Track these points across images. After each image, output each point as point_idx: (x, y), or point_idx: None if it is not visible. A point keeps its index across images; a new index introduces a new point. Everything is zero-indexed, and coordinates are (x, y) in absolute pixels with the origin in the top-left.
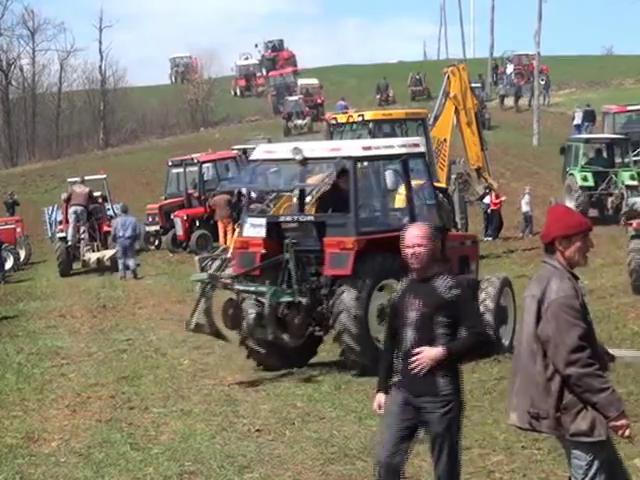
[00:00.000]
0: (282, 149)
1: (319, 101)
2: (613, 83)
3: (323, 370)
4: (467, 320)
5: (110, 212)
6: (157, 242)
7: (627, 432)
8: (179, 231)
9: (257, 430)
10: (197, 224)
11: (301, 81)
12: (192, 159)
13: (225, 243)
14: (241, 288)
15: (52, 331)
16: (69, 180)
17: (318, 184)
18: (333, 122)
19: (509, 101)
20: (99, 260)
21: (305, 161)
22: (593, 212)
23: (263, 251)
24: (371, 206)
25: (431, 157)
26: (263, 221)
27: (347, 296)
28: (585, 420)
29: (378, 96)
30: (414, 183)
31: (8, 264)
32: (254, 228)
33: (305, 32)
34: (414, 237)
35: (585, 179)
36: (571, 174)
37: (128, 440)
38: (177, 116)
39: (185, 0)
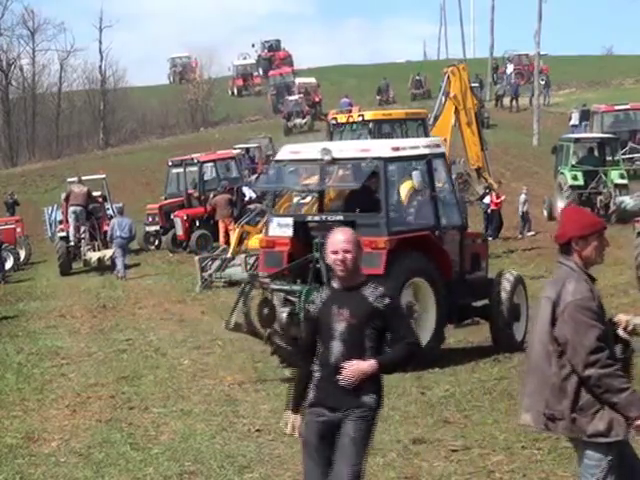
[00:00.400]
0: (308, 149)
1: (317, 99)
2: (613, 83)
3: None
4: (398, 330)
5: (110, 212)
6: (157, 242)
7: None
8: (179, 231)
9: (257, 430)
10: (197, 224)
11: (298, 80)
12: (192, 159)
13: (225, 243)
14: (276, 287)
15: (52, 331)
16: (68, 180)
17: (345, 185)
18: (333, 122)
19: (506, 101)
20: (100, 259)
21: (334, 161)
22: None
23: (290, 250)
24: (399, 206)
25: None
26: (290, 221)
27: None
28: (602, 420)
29: (378, 97)
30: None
31: (8, 264)
32: (280, 228)
33: (305, 32)
34: (340, 242)
35: (575, 178)
36: (562, 173)
37: (128, 440)
38: (177, 116)
39: (185, 0)
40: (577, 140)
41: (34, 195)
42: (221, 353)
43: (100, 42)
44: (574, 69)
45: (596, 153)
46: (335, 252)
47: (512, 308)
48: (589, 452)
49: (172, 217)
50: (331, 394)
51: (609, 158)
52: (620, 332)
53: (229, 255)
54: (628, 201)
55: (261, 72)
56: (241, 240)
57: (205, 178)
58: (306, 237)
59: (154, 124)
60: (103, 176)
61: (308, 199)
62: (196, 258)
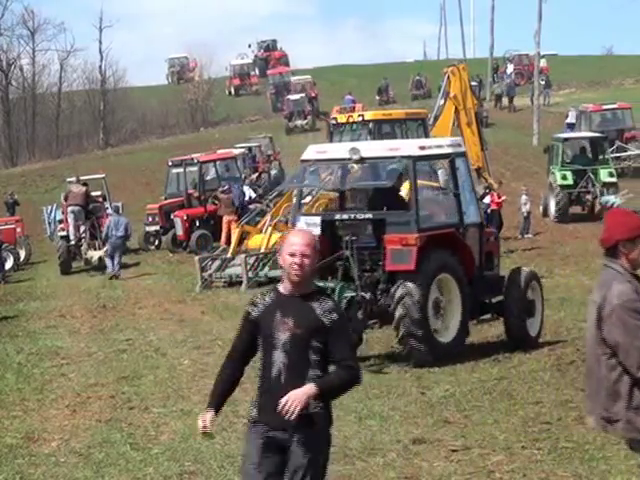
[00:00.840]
0: (335, 149)
1: (313, 95)
2: (613, 83)
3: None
4: (341, 350)
5: (110, 211)
6: (157, 242)
7: None
8: (179, 231)
9: None
10: (197, 224)
11: (294, 78)
12: (192, 159)
13: (227, 242)
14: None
15: (52, 331)
16: (67, 180)
17: (375, 184)
18: (333, 122)
19: (505, 101)
20: (101, 258)
21: (362, 161)
22: (575, 210)
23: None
24: (425, 204)
25: None
26: (318, 219)
27: (410, 285)
28: None
29: (378, 97)
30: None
31: (8, 264)
32: (308, 226)
33: (306, 32)
34: (300, 245)
35: (564, 177)
36: (552, 172)
37: (128, 440)
38: (177, 116)
39: (185, 0)
40: (566, 140)
41: (34, 195)
42: (221, 353)
43: (100, 42)
44: (574, 69)
45: (589, 152)
46: (292, 254)
47: (526, 304)
48: None
49: (172, 217)
50: (274, 413)
51: (600, 157)
52: None
53: (229, 255)
54: (613, 200)
55: (257, 72)
56: (241, 240)
57: (205, 178)
58: (332, 235)
59: (154, 124)
60: (103, 176)
61: (308, 199)
62: (196, 258)
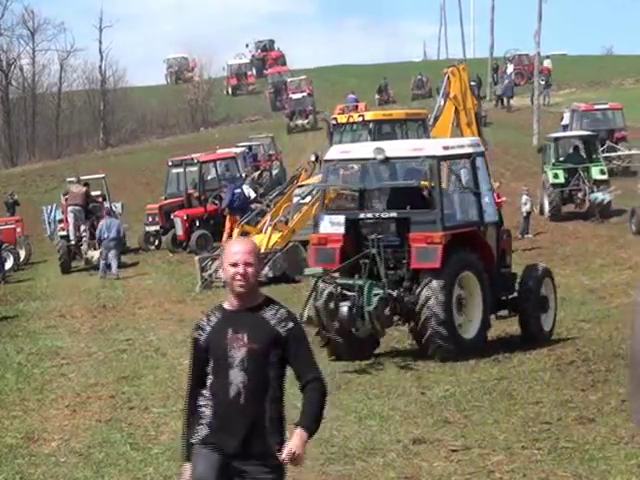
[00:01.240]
0: (358, 149)
1: (307, 92)
2: (613, 83)
3: (322, 370)
4: (302, 362)
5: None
6: (157, 242)
7: None
8: (179, 231)
9: None
10: (197, 224)
11: (290, 79)
12: (192, 159)
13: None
14: (342, 282)
15: (52, 331)
16: (67, 180)
17: (401, 183)
18: (333, 122)
19: (505, 100)
20: None
21: (387, 160)
22: (568, 208)
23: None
24: (448, 202)
25: None
26: (342, 218)
27: (435, 284)
28: None
29: (378, 96)
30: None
31: (8, 264)
32: (332, 225)
33: (306, 31)
34: (241, 253)
35: (556, 176)
36: (545, 171)
37: (128, 440)
38: (177, 116)
39: (185, 0)
40: (557, 139)
41: (34, 195)
42: None
43: (100, 42)
44: (574, 69)
45: (582, 151)
46: (234, 265)
47: (540, 300)
48: None
49: (172, 217)
50: (230, 438)
51: (593, 155)
52: None
53: None
54: (601, 197)
55: (254, 72)
56: None
57: (205, 178)
58: (356, 234)
59: (154, 124)
60: (102, 175)
61: (307, 199)
62: (196, 258)
